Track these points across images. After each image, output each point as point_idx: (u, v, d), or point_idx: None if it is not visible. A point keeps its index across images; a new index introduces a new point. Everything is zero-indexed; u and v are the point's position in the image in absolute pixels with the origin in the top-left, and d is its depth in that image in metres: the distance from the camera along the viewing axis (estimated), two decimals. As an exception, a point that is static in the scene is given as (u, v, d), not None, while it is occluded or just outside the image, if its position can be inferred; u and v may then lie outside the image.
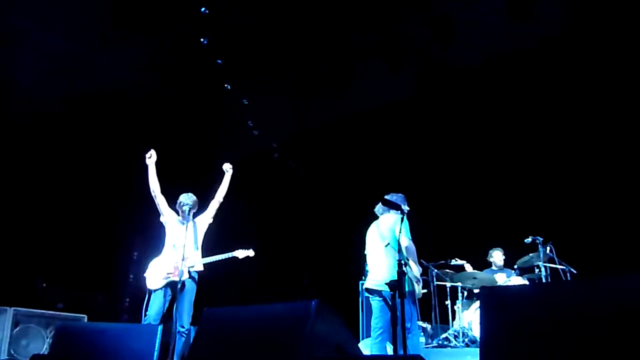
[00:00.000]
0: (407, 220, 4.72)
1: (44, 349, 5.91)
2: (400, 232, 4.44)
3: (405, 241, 4.70)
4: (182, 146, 8.34)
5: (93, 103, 7.71)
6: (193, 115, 8.78)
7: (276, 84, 8.15)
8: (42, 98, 7.12)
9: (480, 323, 2.18)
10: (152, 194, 5.52)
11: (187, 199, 5.51)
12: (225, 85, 7.65)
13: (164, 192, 5.59)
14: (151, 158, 5.43)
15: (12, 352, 5.78)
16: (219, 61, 7.30)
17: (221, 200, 5.73)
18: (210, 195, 5.69)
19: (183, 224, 5.46)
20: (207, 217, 5.68)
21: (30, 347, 5.86)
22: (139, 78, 8.00)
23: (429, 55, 7.61)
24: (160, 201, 5.52)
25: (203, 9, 6.45)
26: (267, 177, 9.35)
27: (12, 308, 5.93)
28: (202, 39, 7.01)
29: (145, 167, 5.46)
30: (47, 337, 6.01)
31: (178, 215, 5.58)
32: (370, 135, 8.68)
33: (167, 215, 5.55)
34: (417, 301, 4.92)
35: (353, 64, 7.84)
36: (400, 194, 4.98)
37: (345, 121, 8.87)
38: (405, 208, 4.62)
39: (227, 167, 5.76)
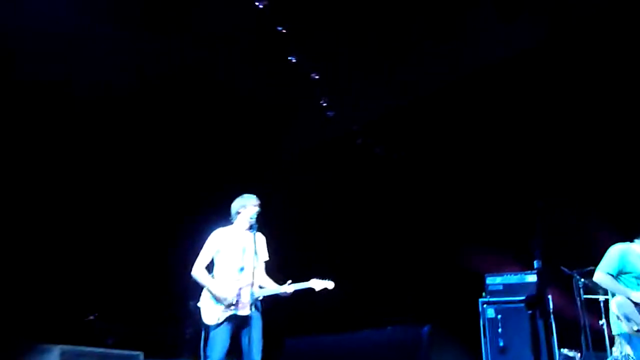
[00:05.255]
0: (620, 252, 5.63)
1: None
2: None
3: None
4: (242, 135, 8.49)
5: (134, 90, 7.96)
6: (253, 97, 8.73)
7: (355, 49, 7.93)
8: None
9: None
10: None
11: (254, 202, 5.44)
12: (289, 58, 7.52)
13: (221, 193, 5.67)
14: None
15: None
16: (280, 28, 7.20)
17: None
18: (276, 197, 5.66)
19: (243, 237, 5.38)
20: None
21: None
22: (182, 58, 8.10)
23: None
24: (209, 257, 5.43)
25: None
26: (348, 168, 9.24)
27: (59, 346, 6.17)
28: (256, 2, 7.10)
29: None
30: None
31: (232, 223, 5.50)
32: (481, 103, 8.31)
33: (217, 244, 5.43)
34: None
35: (454, 16, 7.56)
36: None
37: (447, 88, 8.54)
38: None
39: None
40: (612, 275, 5.58)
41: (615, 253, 5.66)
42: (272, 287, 5.41)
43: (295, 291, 5.36)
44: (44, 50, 7.29)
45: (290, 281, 5.36)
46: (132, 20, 7.58)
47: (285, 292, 5.31)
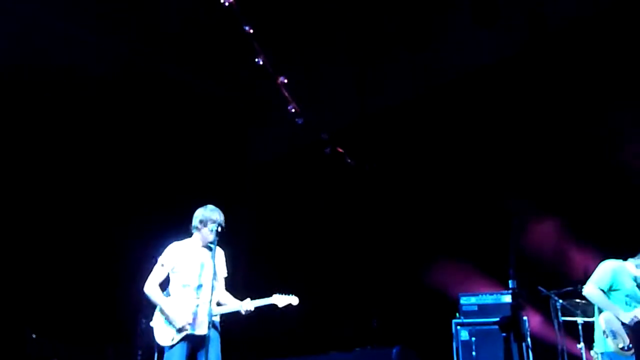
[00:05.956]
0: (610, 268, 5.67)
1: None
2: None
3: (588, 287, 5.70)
4: (204, 142, 8.31)
5: (83, 88, 7.72)
6: (217, 101, 8.65)
7: (325, 55, 7.90)
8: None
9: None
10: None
11: (216, 215, 5.25)
12: (256, 60, 7.26)
13: (180, 203, 5.48)
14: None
15: None
16: (247, 27, 6.98)
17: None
18: (241, 206, 5.50)
19: (201, 251, 5.31)
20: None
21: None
22: (140, 56, 8.00)
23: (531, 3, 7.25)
24: (164, 273, 5.25)
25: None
26: (316, 179, 9.15)
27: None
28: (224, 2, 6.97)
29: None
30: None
31: (190, 234, 5.37)
32: (455, 113, 8.24)
33: (173, 260, 5.27)
34: None
35: (429, 20, 7.52)
36: None
37: (421, 96, 8.48)
38: None
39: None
40: (603, 291, 5.61)
41: (609, 269, 5.70)
42: (231, 304, 5.22)
43: (257, 308, 5.16)
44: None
45: (248, 299, 5.13)
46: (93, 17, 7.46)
47: (247, 310, 5.12)
